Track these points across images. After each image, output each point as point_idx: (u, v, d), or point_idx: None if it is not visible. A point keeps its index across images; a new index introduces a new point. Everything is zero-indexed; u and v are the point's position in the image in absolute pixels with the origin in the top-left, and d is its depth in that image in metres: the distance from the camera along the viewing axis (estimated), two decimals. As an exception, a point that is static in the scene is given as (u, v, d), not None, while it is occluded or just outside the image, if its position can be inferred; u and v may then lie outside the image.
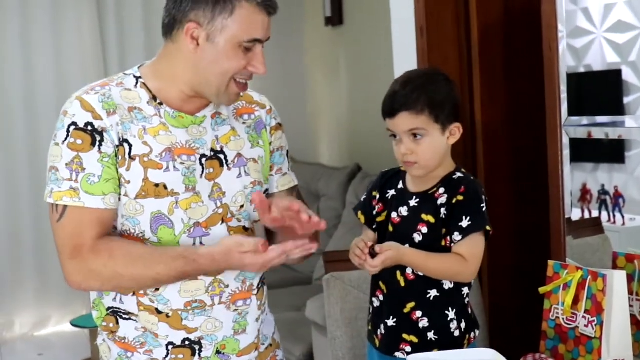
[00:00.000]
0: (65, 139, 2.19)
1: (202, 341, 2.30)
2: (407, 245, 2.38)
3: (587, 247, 3.01)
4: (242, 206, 2.32)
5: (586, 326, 2.42)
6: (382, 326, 2.47)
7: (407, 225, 2.41)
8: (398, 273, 2.42)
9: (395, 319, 2.44)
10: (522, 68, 3.37)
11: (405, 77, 2.45)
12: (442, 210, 2.37)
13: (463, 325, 2.44)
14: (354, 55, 6.53)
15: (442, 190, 2.40)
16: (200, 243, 2.25)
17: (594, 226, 3.09)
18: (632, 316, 2.46)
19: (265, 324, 2.48)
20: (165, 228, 2.23)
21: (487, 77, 3.37)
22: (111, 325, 2.33)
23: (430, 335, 2.40)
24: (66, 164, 2.18)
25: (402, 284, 2.42)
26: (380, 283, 2.48)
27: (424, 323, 2.41)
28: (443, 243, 2.37)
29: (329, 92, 7.06)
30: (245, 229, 2.34)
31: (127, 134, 2.22)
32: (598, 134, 2.94)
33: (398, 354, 2.44)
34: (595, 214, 3.11)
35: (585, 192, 3.13)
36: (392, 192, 2.50)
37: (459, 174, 2.42)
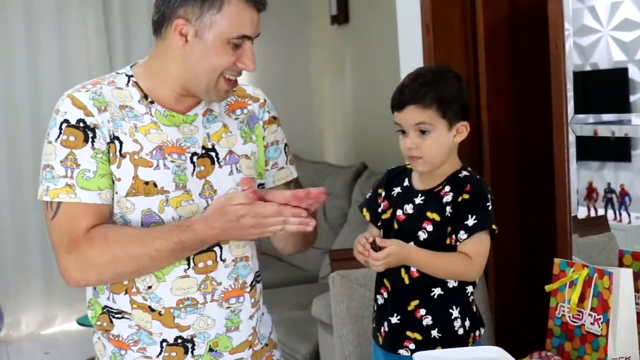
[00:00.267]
0: (58, 136, 2.20)
1: (194, 339, 2.29)
2: (411, 243, 2.38)
3: (593, 245, 3.01)
4: None
5: (592, 324, 2.41)
6: (385, 323, 2.47)
7: (413, 223, 2.41)
8: (402, 271, 2.41)
9: (399, 317, 2.44)
10: (528, 66, 3.37)
11: (416, 73, 2.46)
12: (448, 208, 2.37)
13: (467, 323, 2.43)
14: (359, 53, 6.53)
15: (447, 188, 2.40)
16: None
17: (600, 224, 3.09)
18: (639, 314, 2.45)
19: (262, 324, 2.47)
20: (155, 225, 2.23)
21: (493, 75, 3.37)
22: (105, 324, 2.34)
23: (434, 332, 2.40)
24: (60, 161, 2.18)
25: (407, 281, 2.42)
26: (385, 280, 2.48)
27: (427, 321, 2.40)
28: (448, 241, 2.37)
29: (335, 91, 7.06)
30: None
31: (117, 131, 2.22)
32: (604, 132, 2.94)
33: (402, 352, 2.43)
34: (601, 212, 3.11)
35: (591, 191, 3.13)
36: (397, 190, 2.50)
37: (465, 173, 2.42)
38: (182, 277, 2.26)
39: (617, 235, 3.01)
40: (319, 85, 7.39)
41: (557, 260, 2.58)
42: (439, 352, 2.29)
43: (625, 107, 3.05)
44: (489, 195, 2.38)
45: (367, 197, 2.59)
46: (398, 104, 2.40)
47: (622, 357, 2.37)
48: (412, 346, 2.42)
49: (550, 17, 2.89)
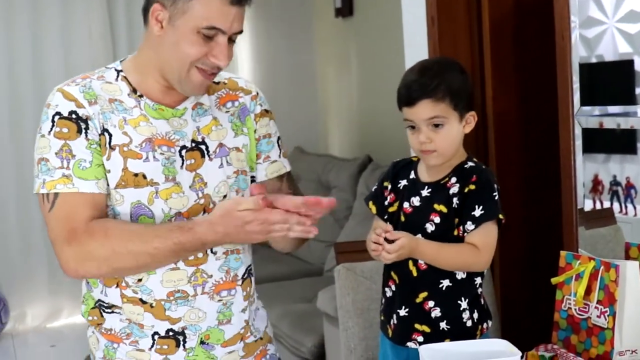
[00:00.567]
0: (51, 129, 2.19)
1: (185, 331, 2.29)
2: (419, 236, 2.38)
3: (599, 237, 3.01)
4: (225, 196, 2.31)
5: (598, 317, 2.41)
6: (394, 316, 2.47)
7: (420, 215, 2.41)
8: (410, 263, 2.41)
9: (407, 309, 2.43)
10: (533, 58, 3.36)
11: (421, 66, 2.44)
12: (455, 199, 2.37)
13: (475, 315, 2.43)
14: (364, 46, 6.52)
15: (454, 179, 2.39)
16: None
17: (606, 217, 3.08)
18: (645, 306, 2.45)
19: (258, 318, 2.47)
20: (145, 218, 2.23)
21: (499, 67, 3.36)
22: (96, 318, 2.34)
23: (443, 325, 2.40)
24: (55, 153, 2.18)
25: (415, 273, 2.41)
26: (393, 273, 2.47)
27: (436, 313, 2.40)
28: (455, 233, 2.37)
29: (340, 84, 7.05)
30: None
31: (107, 123, 2.22)
32: (610, 124, 2.93)
33: (410, 344, 2.43)
34: (606, 204, 3.10)
35: (596, 183, 3.12)
36: (404, 182, 2.50)
37: (470, 163, 2.42)
38: (172, 269, 2.25)
39: (623, 228, 3.01)
40: (324, 78, 7.38)
41: (563, 253, 2.57)
42: (444, 345, 2.29)
43: (631, 99, 3.04)
44: (495, 185, 2.38)
45: (373, 190, 2.58)
46: (408, 99, 2.38)
47: (629, 350, 2.37)
48: (420, 338, 2.42)
49: (556, 8, 2.88)
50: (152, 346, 2.29)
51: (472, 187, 2.35)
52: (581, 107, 2.85)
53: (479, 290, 2.45)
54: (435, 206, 2.39)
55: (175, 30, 2.18)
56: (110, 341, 2.33)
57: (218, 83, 2.42)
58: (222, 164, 2.33)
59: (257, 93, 2.48)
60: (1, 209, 6.66)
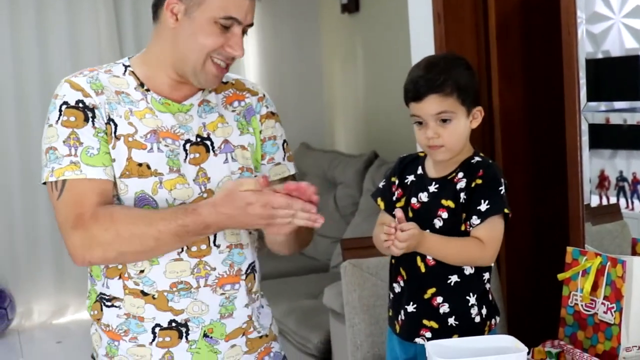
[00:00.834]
0: (59, 118, 2.22)
1: (188, 324, 2.29)
2: (427, 231, 2.37)
3: (605, 233, 3.01)
4: None
5: (605, 313, 2.41)
6: (402, 312, 2.47)
7: (427, 211, 2.40)
8: (418, 259, 2.41)
9: (415, 305, 2.43)
10: (540, 54, 3.36)
11: (428, 62, 2.44)
12: (462, 195, 2.36)
13: (484, 311, 2.43)
14: (370, 42, 6.52)
15: (461, 174, 2.39)
16: None
17: (612, 212, 3.08)
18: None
19: (262, 316, 2.47)
20: (149, 208, 2.24)
21: (505, 63, 3.36)
22: (96, 312, 2.34)
23: (451, 320, 2.40)
24: (63, 141, 2.20)
25: (423, 269, 2.41)
26: (401, 269, 2.47)
27: (444, 309, 2.40)
28: (463, 228, 2.36)
29: (346, 80, 7.05)
30: None
31: (113, 113, 2.25)
32: (616, 119, 2.93)
33: (418, 340, 2.43)
34: (613, 200, 3.10)
35: (603, 179, 3.12)
36: (411, 178, 2.49)
37: (477, 158, 2.42)
38: (176, 259, 2.26)
39: (629, 224, 3.00)
40: (330, 74, 7.38)
41: (569, 249, 2.57)
42: (451, 340, 2.28)
43: (637, 94, 3.04)
44: (502, 180, 2.38)
45: (381, 186, 2.58)
46: (416, 94, 2.38)
47: (636, 346, 2.37)
48: (428, 334, 2.41)
49: (562, 3, 2.89)
50: (153, 340, 2.29)
51: (479, 181, 2.35)
52: (587, 102, 2.85)
53: (487, 285, 2.45)
54: (443, 202, 2.39)
55: (192, 22, 2.22)
56: (111, 339, 2.33)
57: (226, 83, 2.44)
58: (227, 159, 2.34)
59: (264, 95, 2.49)
60: (7, 206, 6.67)
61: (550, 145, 3.32)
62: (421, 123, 2.40)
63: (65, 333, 6.52)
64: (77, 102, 2.22)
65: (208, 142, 2.32)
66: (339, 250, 4.78)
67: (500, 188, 2.36)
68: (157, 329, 2.29)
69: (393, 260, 2.51)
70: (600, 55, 3.12)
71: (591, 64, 2.93)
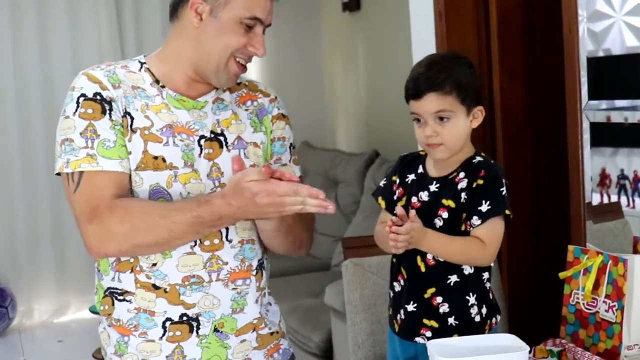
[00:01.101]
0: (76, 110, 2.24)
1: (199, 318, 2.31)
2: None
3: (607, 231, 3.01)
4: None
5: (607, 311, 2.41)
6: (402, 311, 2.46)
7: (428, 211, 2.40)
8: (418, 258, 2.41)
9: (415, 304, 2.43)
10: (541, 52, 3.36)
11: (429, 60, 2.44)
12: (463, 194, 2.36)
13: (484, 310, 2.43)
14: (371, 40, 6.52)
15: (462, 174, 2.39)
16: None
17: (614, 211, 3.08)
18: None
19: (271, 313, 2.49)
20: (163, 201, 2.26)
21: (506, 61, 3.35)
22: (107, 307, 2.35)
23: (451, 320, 2.40)
24: (80, 133, 2.22)
25: (423, 269, 2.41)
26: (401, 268, 2.47)
27: (444, 308, 2.40)
28: (463, 228, 2.36)
29: (347, 78, 7.05)
30: None
31: (129, 107, 2.27)
32: (617, 118, 2.93)
33: (418, 339, 2.43)
34: (614, 198, 3.10)
35: (604, 177, 3.12)
36: (411, 177, 2.49)
37: (478, 158, 2.41)
38: (189, 253, 2.28)
39: (630, 222, 3.00)
40: (331, 72, 7.38)
41: (571, 247, 2.57)
42: (452, 340, 2.28)
43: (638, 93, 3.04)
44: (504, 180, 2.37)
45: (382, 185, 2.58)
46: (416, 92, 2.38)
47: (637, 345, 2.37)
48: (428, 334, 2.41)
49: (563, 2, 2.88)
50: (163, 335, 2.30)
51: (480, 181, 2.35)
52: (589, 101, 2.85)
53: (487, 285, 2.45)
54: (444, 201, 2.38)
55: (217, 22, 2.26)
56: (121, 334, 2.33)
57: (239, 84, 2.48)
58: (239, 155, 2.36)
59: (276, 97, 2.53)
60: (8, 205, 6.67)
61: (551, 143, 3.32)
62: (420, 121, 2.40)
63: (66, 332, 6.53)
64: (95, 94, 2.24)
65: (222, 138, 2.35)
66: (340, 249, 4.78)
67: (501, 189, 2.35)
68: (167, 323, 2.30)
69: (394, 259, 2.51)
70: (601, 54, 3.12)
71: (592, 62, 2.92)
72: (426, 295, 2.41)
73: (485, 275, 2.43)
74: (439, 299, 2.40)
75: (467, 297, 2.41)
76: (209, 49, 2.28)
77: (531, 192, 3.40)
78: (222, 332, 2.34)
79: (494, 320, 2.46)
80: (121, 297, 2.32)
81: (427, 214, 2.39)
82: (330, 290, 4.40)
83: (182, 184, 2.27)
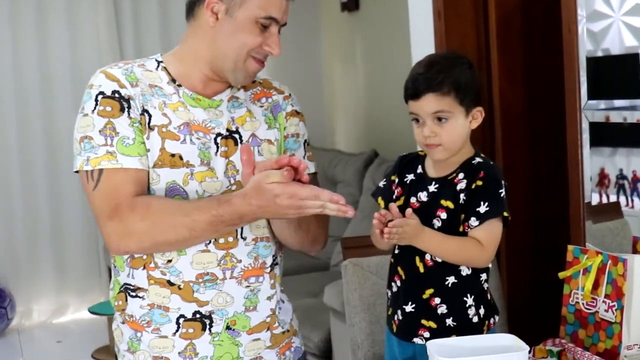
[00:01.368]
0: (95, 107, 2.25)
1: (212, 315, 2.31)
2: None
3: (606, 231, 3.01)
4: None
5: (606, 311, 2.41)
6: (399, 312, 2.46)
7: (427, 211, 2.40)
8: (417, 259, 2.41)
9: (413, 305, 2.43)
10: (540, 52, 3.36)
11: (429, 60, 2.44)
12: (462, 195, 2.36)
13: (482, 311, 2.42)
14: (370, 40, 6.52)
15: (461, 175, 2.38)
16: None
17: (613, 210, 3.08)
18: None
19: (282, 311, 2.49)
20: (179, 199, 2.27)
21: (506, 61, 3.35)
22: (120, 302, 2.36)
23: (449, 321, 2.39)
24: (99, 131, 2.23)
25: (421, 270, 2.40)
26: (399, 268, 2.47)
27: (442, 309, 2.39)
28: (461, 229, 2.36)
29: (346, 78, 7.05)
30: None
31: (147, 105, 2.29)
32: (616, 118, 2.93)
33: (416, 340, 2.43)
34: (613, 198, 3.10)
35: (603, 177, 3.12)
36: (410, 177, 2.49)
37: (478, 159, 2.41)
38: (203, 251, 2.29)
39: (630, 222, 3.00)
40: (330, 72, 7.38)
41: (570, 247, 2.57)
42: (452, 340, 2.28)
43: (637, 92, 3.04)
44: (502, 182, 2.37)
45: (381, 185, 2.57)
46: (414, 92, 2.38)
47: (637, 344, 2.37)
48: (426, 334, 2.41)
49: (562, 1, 2.89)
50: (177, 331, 2.31)
51: (479, 183, 2.34)
52: (588, 100, 2.85)
53: (485, 285, 2.44)
54: (442, 202, 2.38)
55: (233, 21, 2.28)
56: (134, 330, 2.35)
57: (254, 82, 2.48)
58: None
59: (290, 94, 2.55)
60: (8, 205, 6.66)
61: (550, 143, 3.32)
62: (419, 121, 2.40)
63: (65, 332, 6.53)
64: (113, 92, 2.26)
65: (236, 135, 2.36)
66: (339, 249, 4.77)
67: (500, 190, 2.35)
68: (181, 320, 2.31)
69: (392, 260, 2.51)
70: (600, 53, 3.12)
71: (591, 62, 2.93)
72: (424, 296, 2.41)
73: (483, 276, 2.43)
74: (437, 300, 2.40)
75: (465, 298, 2.40)
76: (225, 48, 2.30)
77: (530, 191, 3.40)
78: (234, 329, 2.34)
79: (492, 320, 2.45)
80: (134, 294, 2.33)
81: (425, 214, 2.38)
82: (330, 290, 4.40)
83: (198, 182, 2.28)
